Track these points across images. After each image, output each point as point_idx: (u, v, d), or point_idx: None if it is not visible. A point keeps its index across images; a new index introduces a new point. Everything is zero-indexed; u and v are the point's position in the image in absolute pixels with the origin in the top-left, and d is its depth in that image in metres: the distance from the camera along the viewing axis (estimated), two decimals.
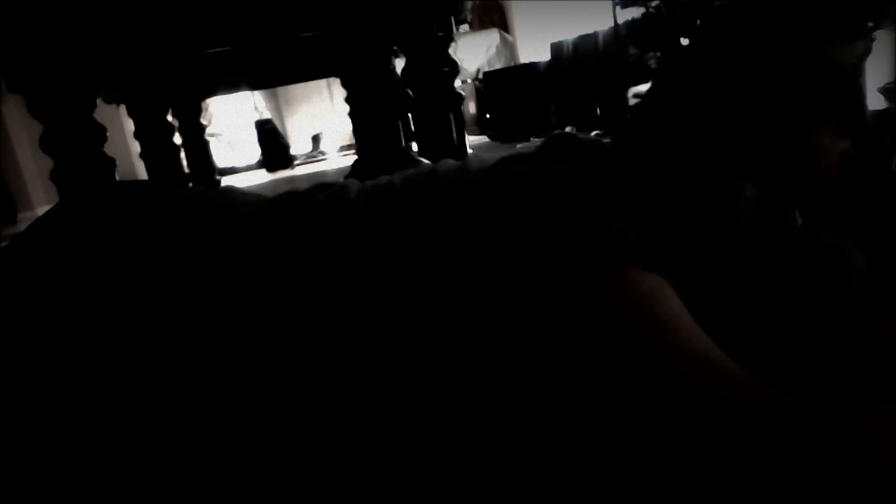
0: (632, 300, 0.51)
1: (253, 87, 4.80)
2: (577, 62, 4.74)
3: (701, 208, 0.61)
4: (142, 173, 2.73)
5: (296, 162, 6.46)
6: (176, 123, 2.43)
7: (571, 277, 0.52)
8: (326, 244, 0.59)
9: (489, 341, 0.55)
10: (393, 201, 0.62)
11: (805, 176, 0.60)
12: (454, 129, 1.53)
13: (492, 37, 6.77)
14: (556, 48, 5.01)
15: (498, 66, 6.29)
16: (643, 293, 0.52)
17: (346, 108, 1.87)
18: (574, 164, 0.61)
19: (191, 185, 2.43)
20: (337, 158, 6.35)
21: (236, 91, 4.30)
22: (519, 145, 4.53)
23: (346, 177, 1.37)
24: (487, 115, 5.34)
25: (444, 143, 1.51)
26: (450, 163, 0.69)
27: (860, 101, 0.64)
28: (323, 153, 6.89)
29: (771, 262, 0.63)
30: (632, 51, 3.61)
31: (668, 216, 0.61)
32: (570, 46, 4.83)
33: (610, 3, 3.66)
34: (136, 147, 2.36)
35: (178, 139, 2.41)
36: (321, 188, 0.67)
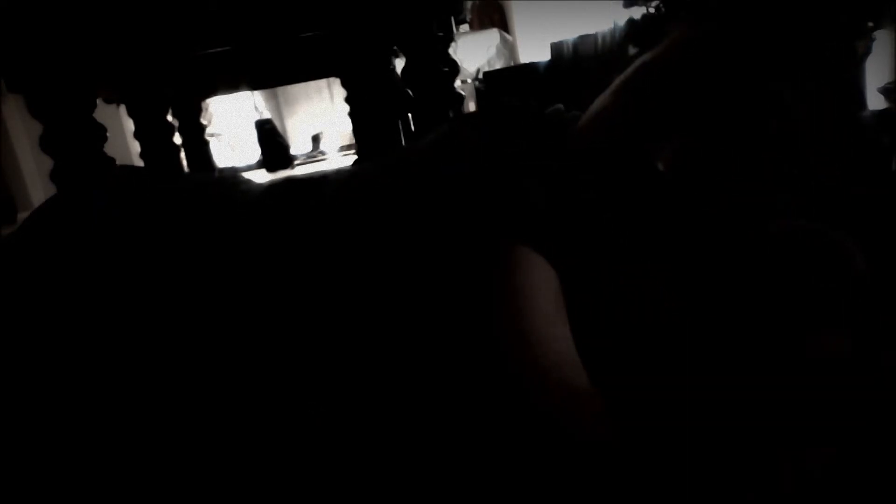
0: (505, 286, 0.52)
1: (253, 87, 4.79)
2: (577, 62, 4.74)
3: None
4: None
5: (296, 162, 6.46)
6: (176, 123, 2.43)
7: (470, 255, 0.52)
8: (290, 233, 0.61)
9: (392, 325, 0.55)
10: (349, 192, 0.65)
11: (753, 111, 0.57)
12: None
13: (492, 37, 6.77)
14: (556, 48, 5.00)
15: (498, 66, 6.28)
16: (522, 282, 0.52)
17: (346, 108, 1.87)
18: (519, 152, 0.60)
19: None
20: (337, 158, 6.35)
21: (236, 91, 4.28)
22: None
23: None
24: None
25: None
26: (408, 146, 0.70)
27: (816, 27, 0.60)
28: (323, 153, 6.89)
29: (768, 257, 0.63)
30: (632, 51, 3.61)
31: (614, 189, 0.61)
32: (570, 46, 4.82)
33: (610, 3, 3.67)
34: (136, 147, 2.36)
35: (178, 139, 2.41)
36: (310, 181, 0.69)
